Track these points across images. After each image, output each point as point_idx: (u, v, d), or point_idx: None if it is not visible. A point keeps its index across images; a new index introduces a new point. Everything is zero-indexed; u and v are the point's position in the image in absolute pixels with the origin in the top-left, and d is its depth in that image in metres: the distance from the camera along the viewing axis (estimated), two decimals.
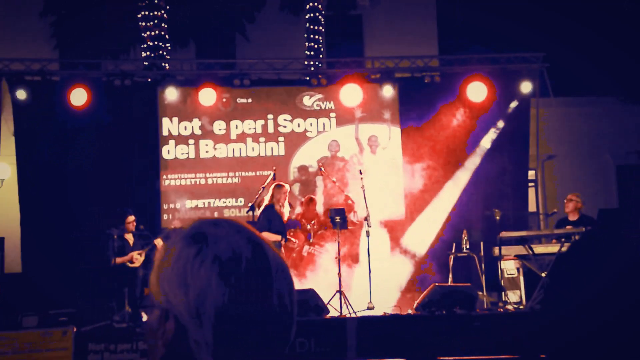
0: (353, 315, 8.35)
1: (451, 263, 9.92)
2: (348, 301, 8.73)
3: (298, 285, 9.11)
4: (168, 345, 1.14)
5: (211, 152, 11.93)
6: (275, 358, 1.14)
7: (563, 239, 8.98)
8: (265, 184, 10.21)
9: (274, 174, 10.33)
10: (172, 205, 11.77)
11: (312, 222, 10.54)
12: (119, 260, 9.87)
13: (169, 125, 11.92)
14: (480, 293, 9.19)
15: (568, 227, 9.60)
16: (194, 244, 1.15)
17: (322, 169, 11.21)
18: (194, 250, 1.14)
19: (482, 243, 9.87)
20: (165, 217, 11.74)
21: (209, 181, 11.84)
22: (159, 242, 9.85)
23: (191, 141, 11.91)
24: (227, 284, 1.11)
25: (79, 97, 11.21)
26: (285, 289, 1.17)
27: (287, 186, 9.78)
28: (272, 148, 12.00)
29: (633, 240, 1.29)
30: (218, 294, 1.11)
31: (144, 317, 8.11)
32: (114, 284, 9.70)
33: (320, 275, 9.66)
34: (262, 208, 9.54)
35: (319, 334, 7.70)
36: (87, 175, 10.87)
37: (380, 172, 11.62)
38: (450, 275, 9.84)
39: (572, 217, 9.92)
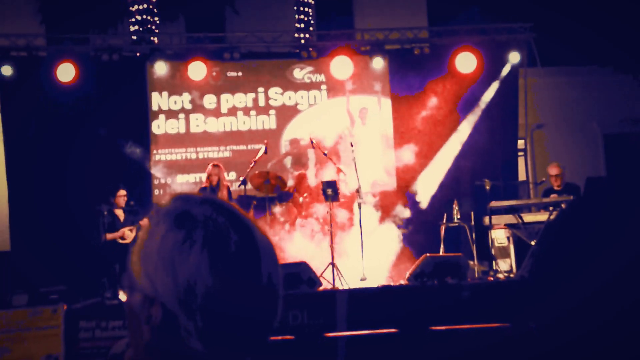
0: (344, 287, 8.37)
1: (442, 233, 9.96)
2: (340, 273, 8.74)
3: (291, 257, 9.16)
4: (154, 330, 1.12)
5: (202, 127, 11.88)
6: (263, 337, 1.13)
7: (551, 208, 9.02)
8: (257, 157, 10.18)
9: (266, 148, 10.27)
10: (162, 181, 11.72)
11: (304, 195, 10.56)
12: (109, 236, 9.83)
13: (158, 100, 11.85)
14: (472, 262, 9.26)
15: (553, 195, 9.65)
16: (181, 226, 1.12)
17: (314, 141, 11.16)
18: (181, 234, 1.11)
19: (472, 213, 9.90)
20: (156, 192, 11.71)
21: (200, 155, 11.80)
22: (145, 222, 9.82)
23: (181, 116, 11.85)
24: (217, 270, 1.09)
25: (66, 72, 11.08)
26: (273, 269, 1.16)
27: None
28: (263, 121, 11.96)
29: (619, 208, 1.29)
30: (208, 280, 1.08)
31: (122, 297, 8.07)
32: (104, 260, 9.72)
33: (312, 247, 9.68)
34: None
35: (312, 307, 7.72)
36: (75, 152, 10.77)
37: (372, 143, 11.62)
38: (442, 246, 9.88)
39: (556, 186, 9.97)
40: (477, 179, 10.16)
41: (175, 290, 1.09)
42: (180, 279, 1.09)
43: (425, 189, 11.65)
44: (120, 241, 9.92)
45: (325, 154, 10.59)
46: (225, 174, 10.54)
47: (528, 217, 9.22)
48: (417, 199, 11.55)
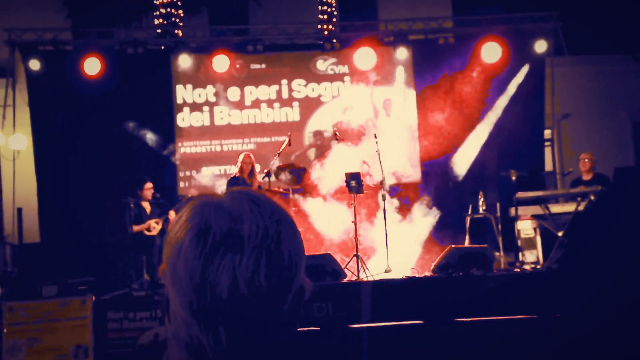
0: (369, 279, 8.39)
1: (468, 224, 9.95)
2: (365, 265, 8.76)
3: (316, 247, 9.25)
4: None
5: (226, 119, 11.95)
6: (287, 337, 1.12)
7: (579, 198, 8.93)
8: (281, 149, 10.18)
9: (289, 140, 10.25)
10: (187, 173, 11.82)
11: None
12: (136, 228, 9.89)
13: (183, 93, 11.92)
14: (497, 254, 9.27)
15: (580, 186, 9.56)
16: (203, 243, 1.08)
17: (337, 133, 11.16)
18: (203, 248, 1.08)
19: (498, 204, 9.90)
20: (181, 184, 11.81)
21: (224, 148, 11.90)
22: (172, 214, 9.90)
23: (205, 108, 11.92)
24: (240, 285, 1.07)
25: (92, 66, 11.21)
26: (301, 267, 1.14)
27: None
28: (286, 113, 12.01)
29: None
30: (230, 296, 1.06)
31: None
32: (131, 252, 9.83)
33: (337, 239, 9.73)
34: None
35: (336, 298, 7.71)
36: (102, 145, 10.92)
37: (396, 135, 11.57)
38: (467, 237, 9.86)
39: (586, 177, 9.90)
40: (503, 170, 10.12)
41: (191, 300, 1.07)
42: (201, 299, 1.07)
43: (451, 180, 11.63)
44: (147, 233, 9.94)
45: (348, 145, 10.56)
46: (257, 165, 10.58)
47: (555, 208, 9.15)
48: (443, 190, 11.52)
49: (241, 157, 9.90)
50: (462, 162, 11.74)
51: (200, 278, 1.05)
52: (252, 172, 9.89)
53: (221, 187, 11.05)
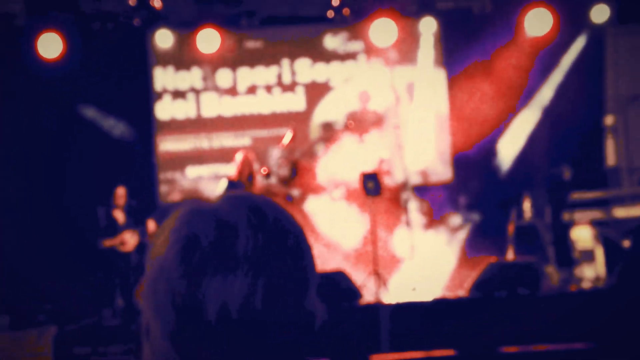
0: (388, 300, 8.45)
1: (511, 233, 9.96)
2: (385, 283, 8.82)
3: (329, 262, 9.43)
4: None
5: (215, 109, 11.95)
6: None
7: None
8: (282, 145, 10.29)
9: (292, 133, 10.31)
10: (169, 174, 11.85)
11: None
12: (107, 243, 9.87)
13: (162, 78, 11.90)
14: (548, 268, 9.31)
15: None
16: (189, 259, 1.09)
17: (351, 125, 11.24)
18: (191, 274, 1.09)
19: (548, 208, 9.89)
20: (162, 188, 11.84)
21: (214, 144, 11.93)
22: (151, 225, 9.85)
23: (190, 96, 11.92)
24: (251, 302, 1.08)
25: (50, 45, 11.09)
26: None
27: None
28: (288, 101, 12.00)
29: None
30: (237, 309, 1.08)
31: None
32: (102, 272, 9.76)
33: (351, 251, 9.99)
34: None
35: (351, 323, 7.80)
36: (63, 141, 10.90)
37: (422, 125, 11.61)
38: (511, 248, 9.90)
39: None
40: (554, 166, 10.19)
41: (173, 328, 1.09)
42: (187, 317, 1.08)
43: (490, 178, 11.58)
44: (120, 248, 9.94)
45: (363, 139, 10.78)
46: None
47: (619, 212, 9.35)
48: (480, 191, 11.44)
49: (239, 156, 9.83)
50: (503, 157, 11.72)
51: (185, 302, 1.07)
52: (251, 175, 9.84)
53: (212, 191, 11.15)
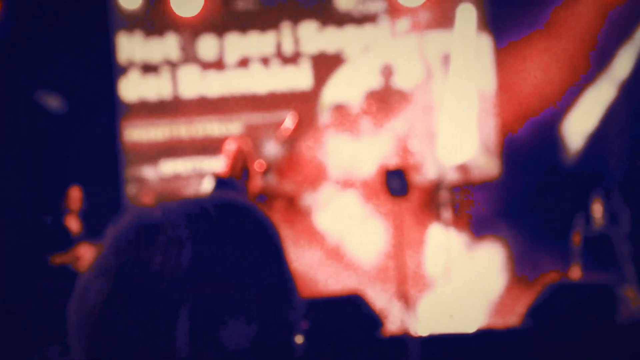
0: (418, 331, 8.57)
1: (577, 244, 9.99)
2: (414, 308, 9.17)
3: (341, 282, 9.84)
4: None
5: (196, 87, 11.92)
6: None
7: None
8: (281, 133, 10.48)
9: (295, 118, 10.49)
10: (139, 170, 11.87)
11: None
12: (57, 259, 9.87)
13: (128, 47, 11.86)
14: (626, 290, 9.28)
15: None
16: (101, 286, 1.18)
17: (370, 107, 11.30)
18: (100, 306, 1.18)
19: (626, 211, 10.00)
20: (130, 188, 11.83)
21: (195, 132, 11.92)
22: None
23: (165, 71, 11.89)
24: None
25: None
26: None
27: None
28: (290, 77, 11.95)
29: None
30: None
31: None
32: (49, 297, 9.64)
33: (369, 266, 10.23)
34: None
35: (372, 359, 8.13)
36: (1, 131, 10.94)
37: (460, 107, 11.59)
38: (576, 264, 9.91)
39: None
40: (634, 158, 10.34)
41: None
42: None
43: (549, 174, 11.54)
44: (75, 265, 9.92)
45: (386, 124, 10.97)
46: None
47: None
48: (536, 190, 11.42)
49: (230, 146, 9.82)
50: (566, 146, 11.71)
51: (89, 343, 1.14)
52: (245, 170, 9.79)
53: (195, 191, 11.22)
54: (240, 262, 1.16)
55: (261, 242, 1.20)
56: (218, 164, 9.84)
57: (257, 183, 9.72)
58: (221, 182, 9.81)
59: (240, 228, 1.19)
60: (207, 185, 9.99)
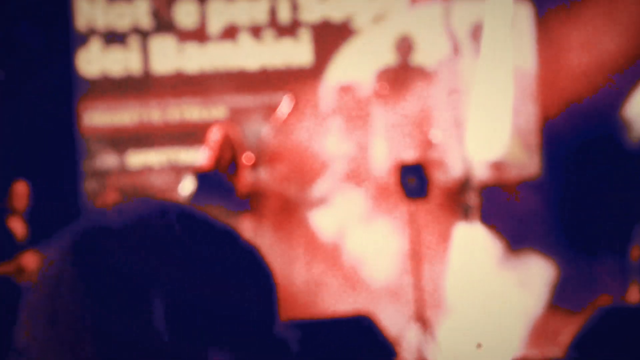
0: None
1: (636, 260, 9.97)
2: (433, 335, 9.11)
3: (347, 302, 10.10)
4: None
5: (172, 62, 11.92)
6: None
7: None
8: (276, 118, 10.63)
9: (292, 101, 10.61)
10: (101, 162, 11.84)
11: None
12: None
13: (89, 11, 11.83)
14: None
15: None
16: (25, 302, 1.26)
17: (384, 89, 11.39)
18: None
19: None
20: (89, 184, 11.79)
21: (170, 116, 11.93)
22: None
23: (134, 40, 11.87)
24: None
25: None
26: None
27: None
28: (287, 51, 11.99)
29: None
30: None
31: None
32: None
33: (380, 282, 10.31)
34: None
35: None
36: None
37: (493, 89, 11.55)
38: (635, 284, 9.94)
39: None
40: None
41: None
42: None
43: (603, 173, 11.49)
44: (17, 277, 10.00)
45: (401, 109, 11.10)
46: None
47: None
48: (586, 193, 11.40)
49: (215, 134, 10.07)
50: (627, 137, 11.64)
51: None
52: (233, 162, 10.10)
53: (170, 189, 11.41)
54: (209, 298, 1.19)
55: (241, 281, 1.22)
56: (199, 156, 10.26)
57: (246, 179, 9.70)
58: (203, 177, 9.90)
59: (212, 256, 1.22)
60: (186, 182, 9.97)
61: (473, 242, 9.78)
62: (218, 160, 9.73)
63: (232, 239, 1.25)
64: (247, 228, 9.74)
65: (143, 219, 1.22)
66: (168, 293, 1.18)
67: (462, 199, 10.09)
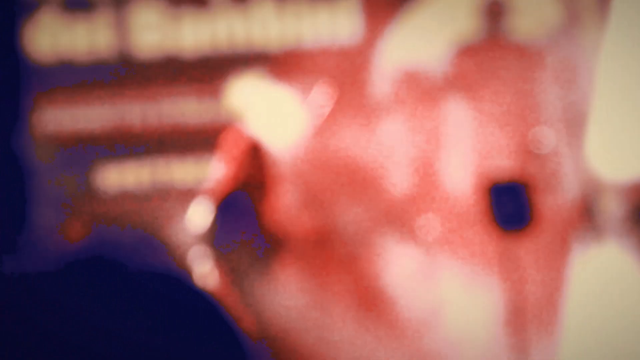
0: None
1: None
2: None
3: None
4: None
5: (159, 38, 11.88)
6: None
7: None
8: (309, 115, 10.92)
9: (331, 91, 11.04)
10: (61, 179, 11.92)
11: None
12: None
13: None
14: None
15: None
16: None
17: (464, 74, 11.78)
18: None
19: None
20: (43, 208, 11.81)
21: (158, 115, 12.15)
22: None
23: (104, 8, 11.93)
24: None
25: None
26: None
27: None
28: (323, 21, 12.39)
29: None
30: None
31: None
32: None
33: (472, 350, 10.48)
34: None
35: None
36: None
37: (627, 76, 11.55)
38: None
39: None
40: None
41: None
42: None
43: None
44: None
45: (486, 106, 11.37)
46: None
47: None
48: None
49: (234, 137, 10.44)
50: None
51: None
52: (262, 180, 10.85)
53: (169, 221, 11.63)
54: None
55: None
56: (208, 173, 10.34)
57: (275, 205, 9.59)
58: (224, 204, 9.69)
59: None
60: (197, 210, 10.15)
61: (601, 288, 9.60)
62: (236, 177, 9.56)
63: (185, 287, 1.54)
64: (280, 271, 9.97)
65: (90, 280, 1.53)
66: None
67: (585, 229, 9.94)
